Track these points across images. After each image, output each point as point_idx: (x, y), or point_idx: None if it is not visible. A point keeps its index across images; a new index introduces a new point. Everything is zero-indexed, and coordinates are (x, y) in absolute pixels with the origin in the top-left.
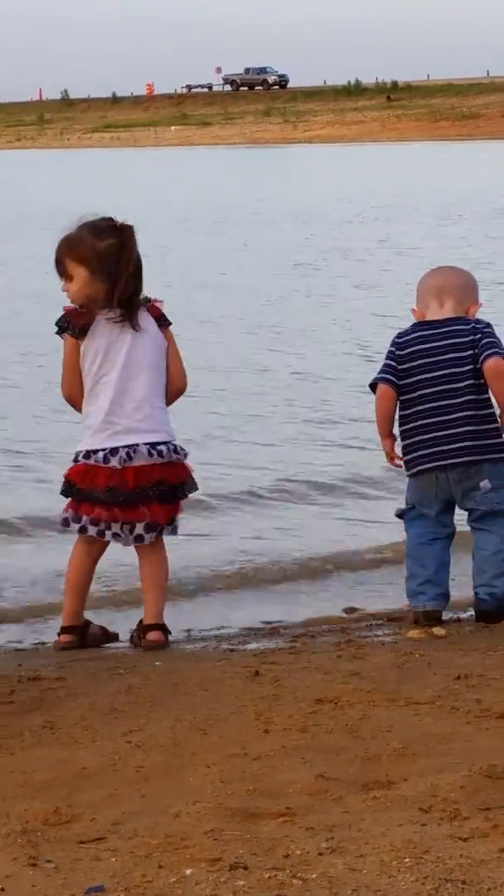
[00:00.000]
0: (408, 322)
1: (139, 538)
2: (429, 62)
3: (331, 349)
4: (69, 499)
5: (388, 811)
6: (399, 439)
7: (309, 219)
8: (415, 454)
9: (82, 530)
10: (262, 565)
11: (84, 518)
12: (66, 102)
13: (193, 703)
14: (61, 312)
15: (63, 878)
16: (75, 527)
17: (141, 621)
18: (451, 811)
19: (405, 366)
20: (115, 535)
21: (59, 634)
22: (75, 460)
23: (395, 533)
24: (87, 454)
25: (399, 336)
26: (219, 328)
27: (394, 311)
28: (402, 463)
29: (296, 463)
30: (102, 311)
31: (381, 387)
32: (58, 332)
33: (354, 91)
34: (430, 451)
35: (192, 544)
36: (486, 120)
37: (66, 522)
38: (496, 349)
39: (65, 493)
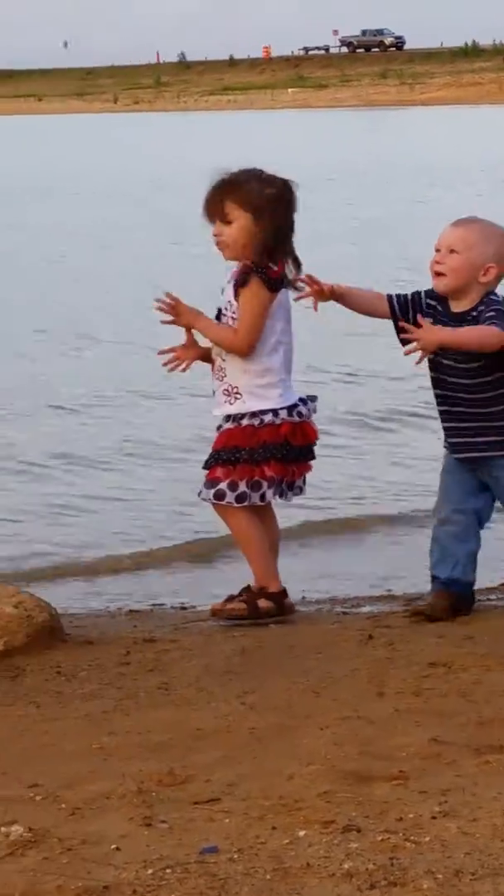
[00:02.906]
0: None
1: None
2: None
3: None
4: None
5: (501, 775)
6: None
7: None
8: None
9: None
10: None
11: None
12: (183, 65)
13: (307, 665)
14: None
15: (177, 839)
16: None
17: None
18: None
19: None
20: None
21: (269, 597)
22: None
23: None
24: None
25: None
26: None
27: None
28: None
29: None
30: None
31: None
32: (272, 289)
33: (471, 53)
34: None
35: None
36: None
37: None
38: None
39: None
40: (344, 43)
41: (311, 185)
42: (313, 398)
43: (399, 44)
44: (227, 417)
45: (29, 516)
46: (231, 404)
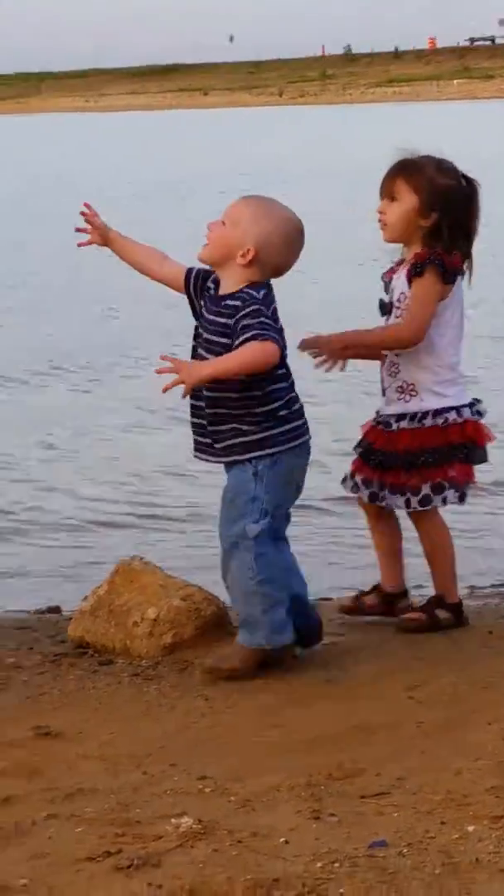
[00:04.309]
0: None
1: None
2: None
3: None
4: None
5: None
6: (261, 419)
7: None
8: (295, 423)
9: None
10: None
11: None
12: (349, 58)
13: (475, 659)
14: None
15: (346, 832)
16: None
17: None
18: None
19: (278, 325)
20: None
21: (448, 608)
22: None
23: None
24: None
25: (265, 290)
26: None
27: None
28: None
29: None
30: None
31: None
32: (448, 281)
33: None
34: (303, 420)
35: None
36: None
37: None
38: None
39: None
40: None
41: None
42: (478, 400)
43: None
44: (401, 416)
45: (196, 512)
46: (406, 402)
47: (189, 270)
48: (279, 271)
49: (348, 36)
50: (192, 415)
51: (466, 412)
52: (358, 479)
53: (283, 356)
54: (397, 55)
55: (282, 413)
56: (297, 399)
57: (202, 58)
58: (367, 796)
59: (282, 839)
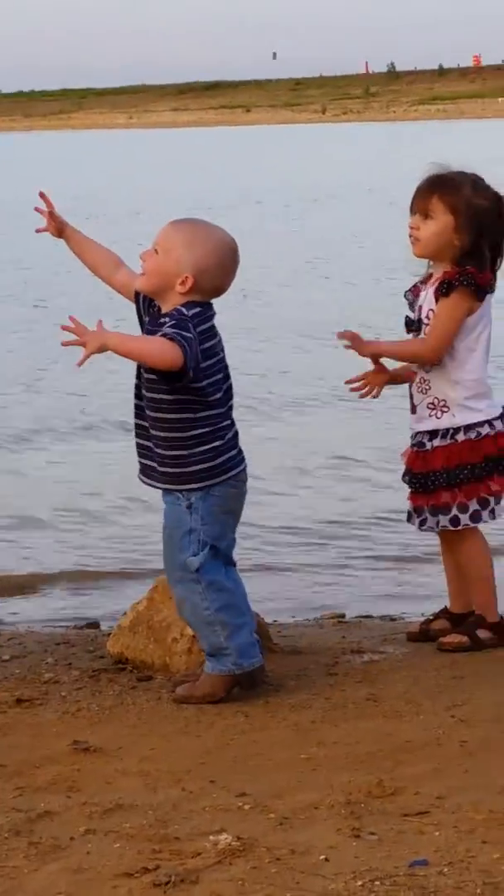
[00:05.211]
0: None
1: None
2: None
3: None
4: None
5: None
6: (193, 444)
7: None
8: (228, 454)
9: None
10: None
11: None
12: (392, 75)
13: None
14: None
15: (386, 851)
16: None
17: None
18: None
19: (208, 345)
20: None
21: (489, 628)
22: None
23: None
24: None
25: (198, 308)
26: None
27: None
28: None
29: None
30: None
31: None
32: (479, 298)
33: None
34: (238, 450)
35: None
36: None
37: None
38: None
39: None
40: None
41: None
42: None
43: None
44: (434, 434)
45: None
46: (438, 418)
47: None
48: (218, 292)
49: (392, 53)
50: (137, 435)
51: (499, 424)
52: (410, 508)
53: (217, 380)
54: (442, 73)
55: (215, 444)
56: (231, 427)
57: (245, 75)
58: (407, 815)
59: (321, 857)
